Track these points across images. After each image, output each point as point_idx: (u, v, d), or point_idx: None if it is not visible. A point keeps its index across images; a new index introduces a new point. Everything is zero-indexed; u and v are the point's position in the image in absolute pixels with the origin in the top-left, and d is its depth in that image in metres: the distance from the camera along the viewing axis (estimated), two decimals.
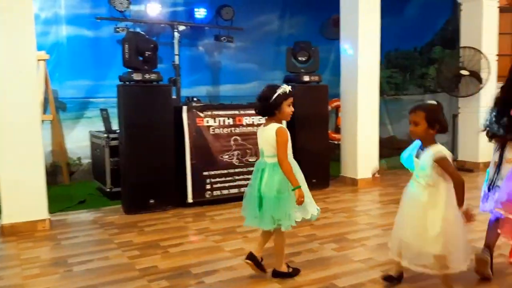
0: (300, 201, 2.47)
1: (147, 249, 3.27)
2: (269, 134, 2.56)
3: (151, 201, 4.31)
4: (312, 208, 2.63)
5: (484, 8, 6.22)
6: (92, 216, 4.27)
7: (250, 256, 2.68)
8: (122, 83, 4.29)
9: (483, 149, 6.46)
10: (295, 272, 2.74)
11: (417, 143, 2.42)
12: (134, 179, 4.25)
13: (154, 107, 4.28)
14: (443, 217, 2.27)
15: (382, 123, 7.49)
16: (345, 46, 5.51)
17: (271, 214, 2.55)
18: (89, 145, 5.62)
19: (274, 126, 2.57)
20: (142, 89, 4.27)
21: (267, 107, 2.58)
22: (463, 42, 6.47)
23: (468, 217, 2.27)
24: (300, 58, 5.28)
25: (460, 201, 2.25)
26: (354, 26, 5.34)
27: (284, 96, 2.57)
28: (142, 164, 4.24)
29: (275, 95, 2.55)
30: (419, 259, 2.29)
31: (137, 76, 4.21)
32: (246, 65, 7.50)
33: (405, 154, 2.44)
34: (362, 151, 5.42)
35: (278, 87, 2.59)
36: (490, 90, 6.37)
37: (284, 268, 2.72)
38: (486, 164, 6.35)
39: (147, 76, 4.23)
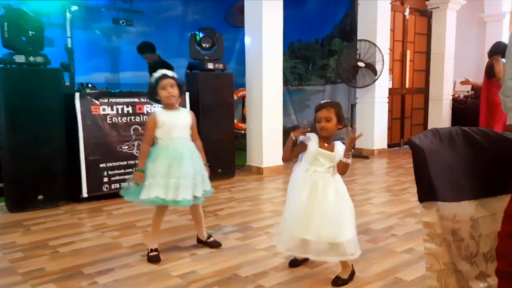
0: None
1: (33, 250, 2.93)
2: None
3: (40, 197, 3.90)
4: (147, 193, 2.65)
5: (378, 3, 6.58)
6: None
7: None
8: (2, 65, 3.80)
9: (378, 137, 6.91)
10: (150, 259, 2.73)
11: (311, 137, 2.42)
12: (18, 173, 3.81)
13: (41, 93, 3.85)
14: (336, 202, 2.34)
15: (287, 113, 7.68)
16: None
17: None
18: None
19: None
20: (26, 73, 3.81)
21: (150, 93, 2.76)
22: (360, 35, 6.81)
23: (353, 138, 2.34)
24: (203, 45, 5.14)
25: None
26: (258, 14, 5.33)
27: (156, 81, 2.71)
28: (27, 156, 3.81)
29: (152, 81, 2.73)
30: (321, 250, 2.32)
31: (19, 58, 3.75)
32: None
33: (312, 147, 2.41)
34: (267, 140, 5.46)
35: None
36: (384, 81, 6.82)
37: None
38: (381, 151, 6.90)
39: (31, 58, 3.79)
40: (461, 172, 1.35)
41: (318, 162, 2.38)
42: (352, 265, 2.48)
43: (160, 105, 2.81)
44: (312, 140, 2.41)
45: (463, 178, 1.35)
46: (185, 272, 2.56)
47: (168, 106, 2.75)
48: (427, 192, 1.24)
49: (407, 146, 5.02)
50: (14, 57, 3.75)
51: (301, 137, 2.44)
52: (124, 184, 2.84)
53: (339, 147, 2.40)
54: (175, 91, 2.70)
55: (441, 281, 1.26)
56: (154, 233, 2.82)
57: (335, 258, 2.37)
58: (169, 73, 2.73)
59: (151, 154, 2.70)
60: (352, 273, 2.46)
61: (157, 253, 2.76)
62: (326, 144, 2.40)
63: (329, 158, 2.38)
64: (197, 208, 2.91)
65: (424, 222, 1.25)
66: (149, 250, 2.76)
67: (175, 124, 2.72)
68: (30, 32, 3.84)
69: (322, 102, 2.46)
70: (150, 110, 4.50)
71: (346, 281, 2.41)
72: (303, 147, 2.43)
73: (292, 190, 2.47)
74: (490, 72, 5.69)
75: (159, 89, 2.69)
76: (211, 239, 2.99)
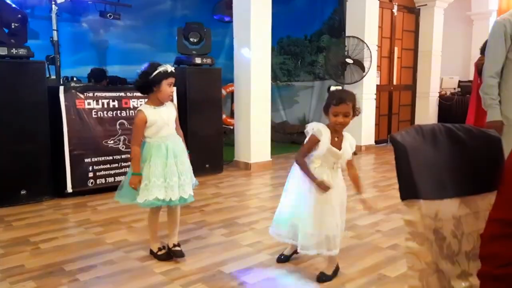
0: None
1: (13, 247, 2.88)
2: None
3: (23, 192, 3.83)
4: (151, 193, 2.50)
5: (366, 0, 6.57)
6: None
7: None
8: None
9: (366, 134, 6.93)
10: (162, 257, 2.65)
11: (323, 131, 2.29)
12: (0, 168, 3.73)
13: (24, 86, 3.78)
14: (337, 197, 2.37)
15: (275, 109, 7.67)
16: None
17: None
18: None
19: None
20: (8, 66, 3.74)
21: (146, 83, 2.50)
22: (348, 31, 6.80)
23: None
24: (191, 39, 5.09)
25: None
26: (246, 9, 5.28)
27: (165, 74, 2.49)
28: (10, 150, 3.74)
29: (156, 72, 2.47)
30: (326, 244, 2.31)
31: (1, 51, 3.68)
32: (136, 45, 7.09)
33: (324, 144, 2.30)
34: (255, 135, 5.44)
35: (160, 65, 2.52)
36: (371, 78, 6.83)
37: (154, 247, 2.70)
38: (368, 147, 6.92)
39: (14, 51, 3.71)
40: (444, 169, 1.33)
41: (326, 158, 2.33)
42: (337, 261, 2.48)
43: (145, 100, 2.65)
44: (324, 136, 2.29)
45: (446, 176, 1.33)
46: (168, 269, 2.53)
47: (158, 103, 2.55)
48: (409, 190, 1.23)
49: None
50: None
51: (311, 129, 2.32)
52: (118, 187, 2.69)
53: (347, 144, 2.34)
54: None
55: (423, 280, 1.24)
56: (154, 234, 2.72)
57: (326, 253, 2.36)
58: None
59: (142, 155, 2.53)
60: (336, 269, 2.46)
61: (165, 250, 2.69)
62: (336, 139, 2.32)
63: (336, 156, 2.32)
64: (176, 209, 2.69)
65: (405, 221, 1.23)
66: (157, 250, 2.68)
67: (165, 122, 2.55)
68: (13, 24, 3.77)
69: (341, 93, 2.33)
70: (136, 104, 4.45)
71: (330, 277, 2.41)
72: (315, 142, 2.29)
73: (295, 184, 2.44)
74: None
75: (166, 84, 2.49)
76: (177, 248, 2.69)
